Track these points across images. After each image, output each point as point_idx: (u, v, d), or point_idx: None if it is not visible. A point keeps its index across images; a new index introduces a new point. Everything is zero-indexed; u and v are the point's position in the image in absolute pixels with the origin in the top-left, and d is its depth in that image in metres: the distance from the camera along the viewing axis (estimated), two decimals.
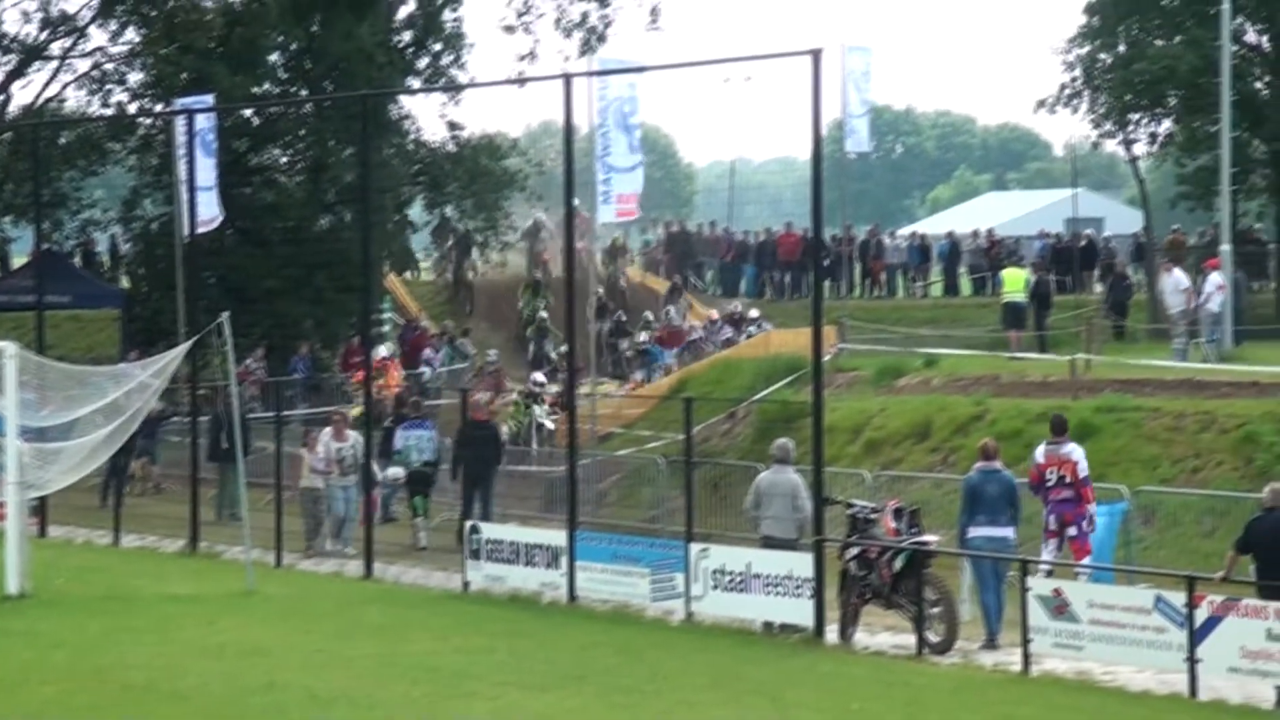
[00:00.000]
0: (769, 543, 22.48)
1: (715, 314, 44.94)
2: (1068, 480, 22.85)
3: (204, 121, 31.57)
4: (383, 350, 36.05)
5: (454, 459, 29.29)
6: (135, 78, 43.85)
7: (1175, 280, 37.56)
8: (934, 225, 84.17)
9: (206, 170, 31.23)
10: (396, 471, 30.16)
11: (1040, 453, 23.13)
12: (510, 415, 36.09)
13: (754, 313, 44.65)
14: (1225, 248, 38.59)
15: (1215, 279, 36.88)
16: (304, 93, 43.51)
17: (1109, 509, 23.79)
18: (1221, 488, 25.57)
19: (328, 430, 29.06)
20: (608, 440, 36.30)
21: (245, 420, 27.65)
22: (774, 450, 22.99)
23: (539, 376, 38.03)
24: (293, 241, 41.61)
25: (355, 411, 32.52)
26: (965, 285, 55.50)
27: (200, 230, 31.67)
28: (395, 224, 44.23)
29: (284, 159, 44.85)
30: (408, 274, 50.22)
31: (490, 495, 28.60)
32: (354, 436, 28.82)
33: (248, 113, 42.66)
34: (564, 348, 33.58)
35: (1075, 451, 23.02)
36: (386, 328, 43.78)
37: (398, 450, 30.30)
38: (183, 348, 27.33)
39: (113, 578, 26.22)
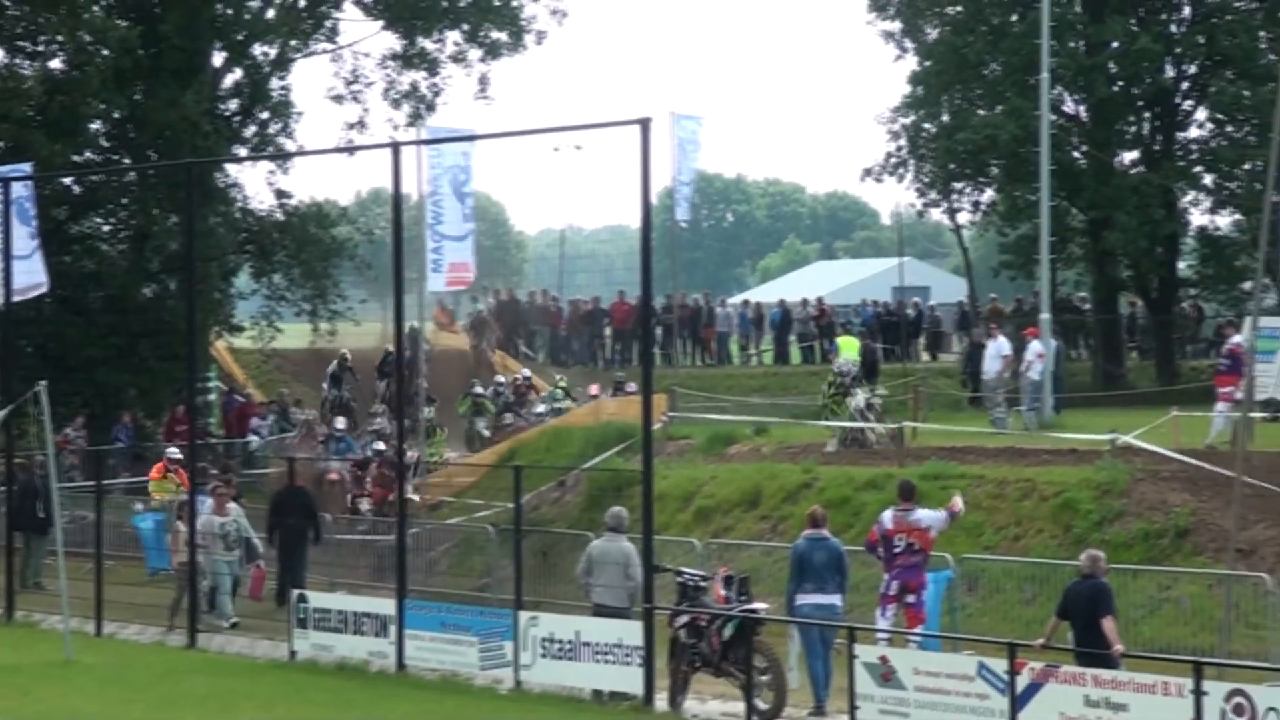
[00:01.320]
0: (600, 611, 22.44)
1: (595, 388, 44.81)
2: (917, 547, 22.95)
3: (21, 189, 31.06)
4: (175, 451, 35.32)
5: (269, 524, 29.22)
6: None
7: (998, 346, 38.05)
8: (764, 294, 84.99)
9: (23, 239, 30.72)
10: None
11: (888, 518, 23.07)
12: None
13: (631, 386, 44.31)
14: (1045, 316, 39.21)
15: (1035, 347, 37.42)
16: (127, 161, 42.99)
17: (934, 576, 23.96)
18: (1042, 555, 25.89)
19: (210, 502, 28.52)
20: (438, 509, 36.09)
21: (47, 488, 27.16)
22: (607, 518, 23.00)
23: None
24: (115, 310, 41.07)
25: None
26: (795, 354, 55.97)
27: (16, 299, 31.13)
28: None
29: (106, 227, 44.24)
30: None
31: (304, 561, 28.35)
32: (236, 509, 28.42)
33: (68, 180, 42.08)
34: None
35: (925, 519, 23.10)
36: (212, 396, 43.34)
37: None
38: None
39: None
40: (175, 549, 28.56)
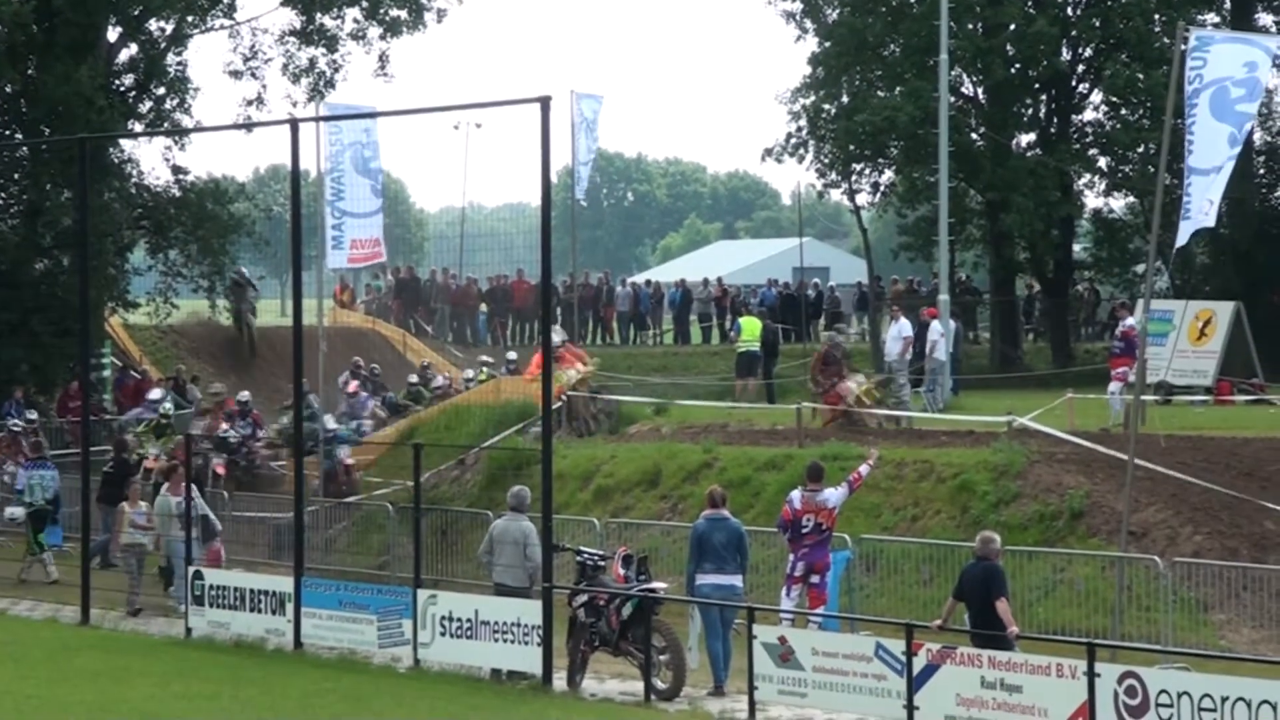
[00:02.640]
0: (500, 590, 22.45)
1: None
2: (824, 527, 23.02)
3: None
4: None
5: (152, 499, 28.90)
6: None
7: (900, 327, 38.23)
8: (665, 273, 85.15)
9: None
10: (15, 511, 30.27)
11: (796, 498, 23.13)
12: None
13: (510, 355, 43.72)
14: (944, 297, 39.46)
15: (936, 328, 37.63)
16: (19, 136, 42.43)
17: (833, 556, 24.08)
18: (939, 536, 26.05)
19: (167, 484, 27.65)
20: None
21: None
22: (509, 497, 23.01)
23: None
24: (7, 285, 40.55)
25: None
26: (695, 333, 56.11)
27: None
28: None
29: None
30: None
31: None
32: (192, 488, 27.12)
33: None
34: None
35: (832, 498, 23.16)
36: (106, 372, 42.91)
37: (19, 490, 30.51)
38: None
39: None
40: (119, 530, 27.90)
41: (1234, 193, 22.33)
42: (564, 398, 34.37)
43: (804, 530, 22.98)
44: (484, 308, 54.58)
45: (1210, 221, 21.81)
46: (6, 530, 30.51)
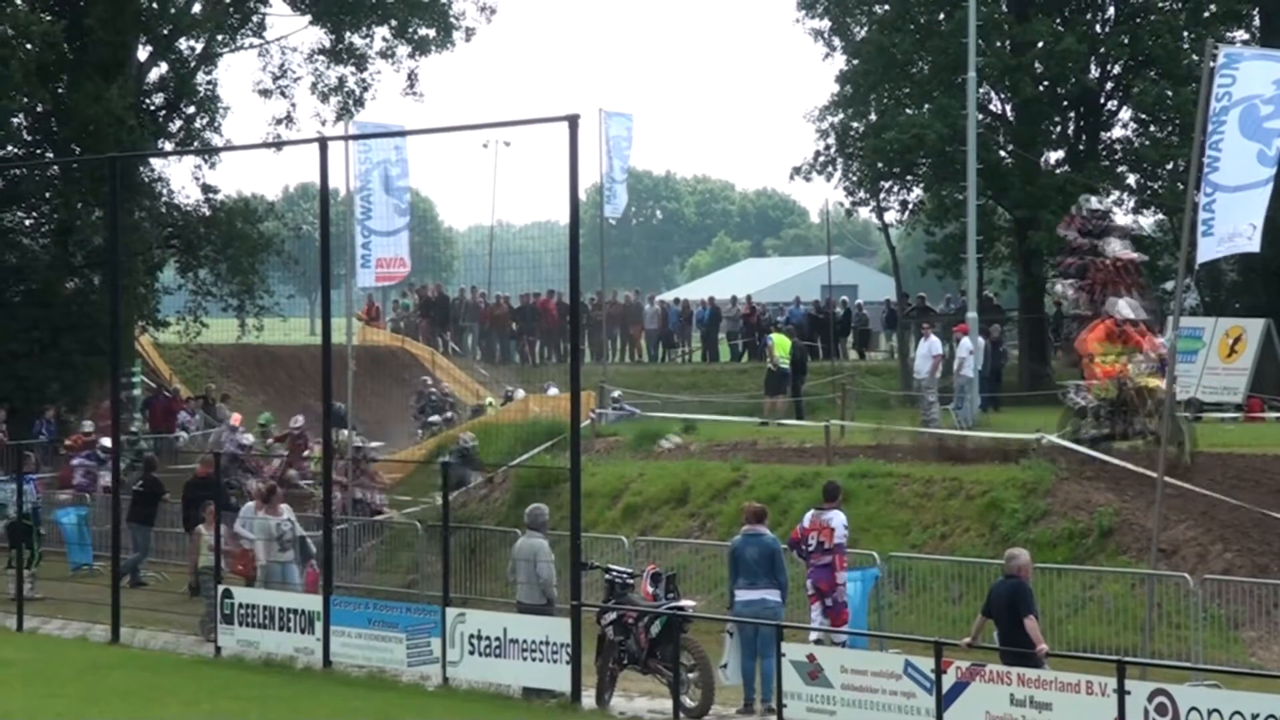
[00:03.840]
0: (521, 608, 22.51)
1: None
2: (826, 546, 23.03)
3: None
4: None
5: (184, 516, 29.39)
6: None
7: (930, 345, 38.18)
8: (693, 291, 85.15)
9: None
10: None
11: (807, 518, 23.21)
12: None
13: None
14: (972, 314, 39.39)
15: (966, 344, 37.57)
16: (50, 155, 42.65)
17: (861, 574, 24.06)
18: (968, 554, 26.00)
19: (249, 504, 27.21)
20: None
21: None
22: (526, 516, 23.07)
23: None
24: (38, 304, 40.74)
25: None
26: (724, 351, 56.09)
27: None
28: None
29: (28, 221, 43.87)
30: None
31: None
32: (288, 510, 26.90)
33: None
34: None
35: (835, 519, 23.10)
36: (136, 391, 43.05)
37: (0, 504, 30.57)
38: None
39: None
40: (195, 554, 27.54)
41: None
42: (1122, 383, 28.25)
43: (809, 549, 23.02)
44: (514, 326, 54.62)
45: (1255, 246, 21.53)
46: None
